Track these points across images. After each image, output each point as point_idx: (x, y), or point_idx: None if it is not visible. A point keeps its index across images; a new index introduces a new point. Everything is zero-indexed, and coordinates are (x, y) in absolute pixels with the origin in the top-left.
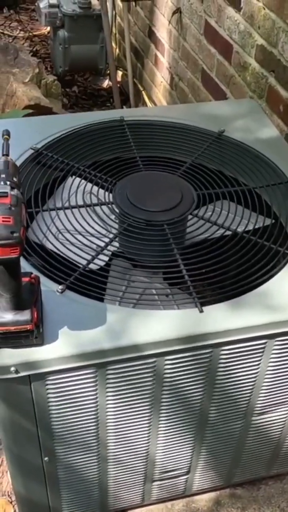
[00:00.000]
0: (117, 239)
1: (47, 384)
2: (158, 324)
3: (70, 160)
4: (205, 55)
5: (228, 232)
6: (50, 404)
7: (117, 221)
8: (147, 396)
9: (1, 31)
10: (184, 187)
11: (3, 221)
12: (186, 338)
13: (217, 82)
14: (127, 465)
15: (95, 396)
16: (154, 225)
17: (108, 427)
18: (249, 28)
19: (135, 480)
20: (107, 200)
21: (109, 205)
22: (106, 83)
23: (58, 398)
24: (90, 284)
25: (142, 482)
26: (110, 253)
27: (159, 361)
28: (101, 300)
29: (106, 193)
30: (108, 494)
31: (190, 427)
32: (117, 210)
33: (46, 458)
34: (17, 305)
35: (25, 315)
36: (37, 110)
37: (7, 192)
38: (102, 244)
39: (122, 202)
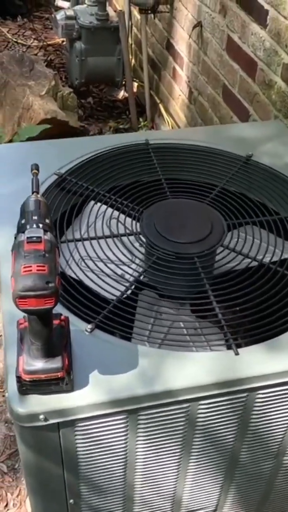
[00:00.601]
0: (144, 271)
1: (76, 430)
2: (192, 368)
3: (95, 186)
4: (227, 70)
5: (254, 263)
6: (79, 449)
7: (143, 251)
8: (178, 439)
9: (15, 40)
10: (214, 216)
11: (37, 270)
12: (222, 383)
13: (239, 99)
14: (153, 506)
15: (125, 441)
16: (184, 258)
17: (136, 470)
18: (275, 46)
19: None
20: (134, 230)
21: (137, 235)
22: (121, 94)
23: (86, 444)
24: (118, 322)
25: None
26: (137, 285)
27: (192, 405)
28: (130, 336)
29: (131, 220)
30: None
31: (219, 468)
32: (145, 241)
33: (71, 501)
34: (48, 352)
35: (56, 363)
36: (53, 124)
37: (40, 237)
38: (128, 276)
39: (150, 233)
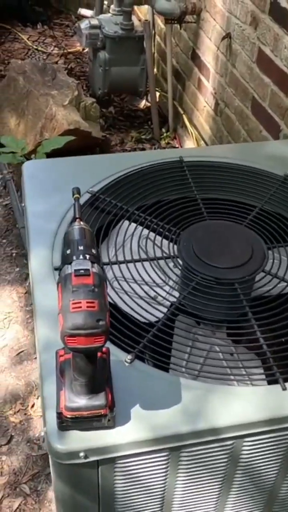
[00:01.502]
0: (183, 298)
1: (115, 468)
2: (238, 404)
3: (129, 205)
4: (257, 84)
5: None
6: (117, 486)
7: (178, 273)
8: (218, 476)
9: (35, 47)
10: (253, 239)
11: (87, 306)
12: (270, 420)
13: (269, 113)
14: None
15: (164, 478)
16: (224, 284)
17: (173, 507)
18: None
19: None
20: (170, 253)
21: (174, 259)
22: (143, 103)
23: (125, 481)
24: (157, 351)
25: None
26: (174, 311)
27: (237, 443)
28: (168, 366)
29: (168, 242)
30: None
31: (258, 504)
32: (183, 265)
33: None
34: (92, 389)
35: (99, 399)
36: (76, 134)
37: (88, 270)
38: (161, 298)
39: (189, 257)
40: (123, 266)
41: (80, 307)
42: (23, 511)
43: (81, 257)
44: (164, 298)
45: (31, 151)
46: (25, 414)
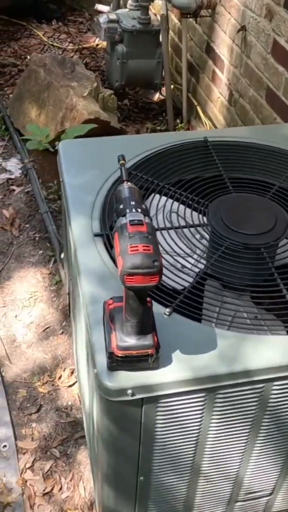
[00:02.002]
0: (213, 260)
1: (157, 407)
2: (268, 351)
3: (159, 180)
4: (272, 73)
5: None
6: (157, 426)
7: (205, 243)
8: (249, 420)
9: (51, 43)
10: (276, 210)
11: (144, 250)
12: None
13: (283, 101)
14: (216, 486)
15: (200, 419)
16: (252, 248)
17: (205, 449)
18: None
19: (220, 501)
20: (200, 222)
21: (204, 227)
22: (156, 96)
23: (165, 421)
24: (193, 306)
25: (226, 503)
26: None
27: (267, 386)
28: (201, 318)
29: (197, 214)
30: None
31: (282, 450)
32: (212, 232)
33: (141, 478)
34: (141, 330)
35: (147, 340)
36: (96, 124)
37: (142, 220)
38: (190, 265)
39: (218, 225)
40: (162, 239)
41: (138, 250)
42: (54, 473)
43: (133, 210)
44: (196, 266)
45: (53, 140)
46: (53, 385)
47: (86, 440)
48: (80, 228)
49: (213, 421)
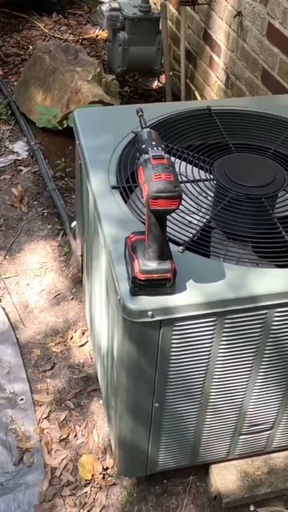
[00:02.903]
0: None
1: (173, 330)
2: (271, 280)
3: (168, 142)
4: (267, 55)
5: None
6: (172, 349)
7: (211, 199)
8: (253, 346)
9: (52, 34)
10: (275, 167)
11: (166, 177)
12: None
13: (278, 80)
14: (222, 415)
15: (210, 344)
16: (254, 198)
17: (214, 376)
18: None
19: (226, 432)
20: (207, 177)
21: (210, 182)
22: (155, 84)
23: (179, 344)
24: (203, 244)
25: (231, 435)
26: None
27: (270, 312)
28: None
29: (204, 172)
30: (200, 444)
31: (283, 380)
32: (218, 185)
33: (156, 404)
34: (161, 255)
35: (167, 264)
36: (101, 106)
37: (163, 155)
38: (197, 221)
39: (223, 179)
40: None
41: (161, 177)
42: (69, 422)
43: (154, 148)
44: (199, 221)
45: (60, 121)
46: (65, 345)
47: (98, 392)
48: (99, 181)
49: (221, 346)
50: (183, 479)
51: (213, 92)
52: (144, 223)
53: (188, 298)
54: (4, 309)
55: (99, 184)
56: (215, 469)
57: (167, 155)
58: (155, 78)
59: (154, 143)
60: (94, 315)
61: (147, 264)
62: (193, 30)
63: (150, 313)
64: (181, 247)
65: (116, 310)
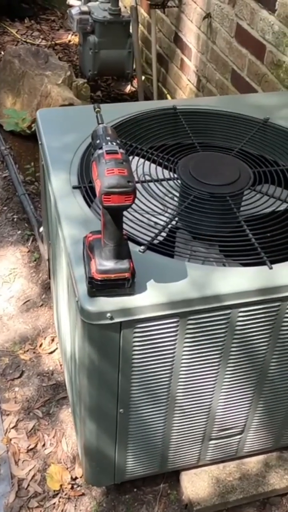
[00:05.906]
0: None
1: (135, 332)
2: (235, 279)
3: (132, 142)
4: (236, 56)
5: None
6: (134, 351)
7: (177, 199)
8: (218, 347)
9: (24, 39)
10: (240, 165)
11: (119, 172)
12: (258, 290)
13: (247, 81)
14: (191, 419)
15: (173, 346)
16: (218, 197)
17: (180, 378)
18: (284, 28)
19: (195, 437)
20: (171, 176)
21: (174, 181)
22: (128, 88)
23: (142, 346)
24: (166, 244)
25: (201, 440)
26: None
27: (233, 312)
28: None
29: (168, 172)
30: (169, 451)
31: (250, 382)
32: (182, 184)
33: (121, 410)
34: (118, 254)
35: (124, 264)
36: None
37: (116, 150)
38: (163, 223)
39: (187, 177)
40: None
41: (113, 172)
42: (37, 431)
43: (109, 143)
44: (168, 217)
45: (29, 125)
46: (34, 352)
47: (68, 400)
48: (60, 181)
49: (185, 347)
50: (153, 487)
51: (184, 95)
52: None
53: (148, 298)
54: None
55: (60, 184)
56: (185, 476)
57: (122, 150)
58: (128, 83)
59: (108, 138)
60: (60, 320)
61: (104, 264)
62: (164, 33)
63: (109, 314)
64: (142, 247)
65: (76, 313)
